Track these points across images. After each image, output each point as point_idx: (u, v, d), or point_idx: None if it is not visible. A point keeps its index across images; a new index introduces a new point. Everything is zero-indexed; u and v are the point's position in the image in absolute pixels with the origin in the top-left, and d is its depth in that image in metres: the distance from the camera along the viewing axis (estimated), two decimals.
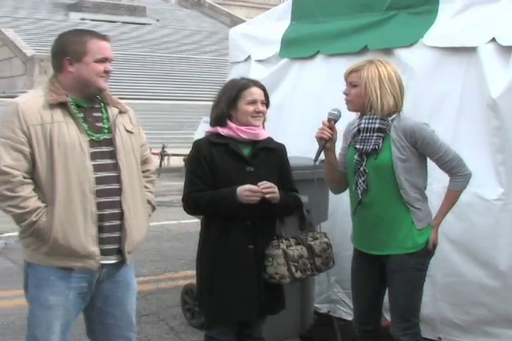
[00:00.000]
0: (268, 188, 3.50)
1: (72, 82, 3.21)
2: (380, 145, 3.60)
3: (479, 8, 4.40)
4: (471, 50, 4.34)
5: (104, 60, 3.22)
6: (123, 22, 35.86)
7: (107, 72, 3.23)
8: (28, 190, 3.09)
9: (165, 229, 9.60)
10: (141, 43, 33.23)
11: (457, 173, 3.62)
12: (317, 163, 3.75)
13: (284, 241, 3.63)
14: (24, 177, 3.09)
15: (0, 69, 30.22)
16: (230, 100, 3.64)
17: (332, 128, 3.73)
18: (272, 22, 6.08)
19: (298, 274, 3.59)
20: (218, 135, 3.65)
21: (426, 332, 4.42)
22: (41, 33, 32.07)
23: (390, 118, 3.61)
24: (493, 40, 4.20)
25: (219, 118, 3.67)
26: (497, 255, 4.23)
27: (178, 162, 16.81)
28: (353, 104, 3.73)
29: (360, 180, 3.68)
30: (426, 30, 4.61)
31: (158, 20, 37.53)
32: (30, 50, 28.74)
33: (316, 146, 3.79)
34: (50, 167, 3.09)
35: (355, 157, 3.71)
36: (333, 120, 3.74)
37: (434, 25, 4.59)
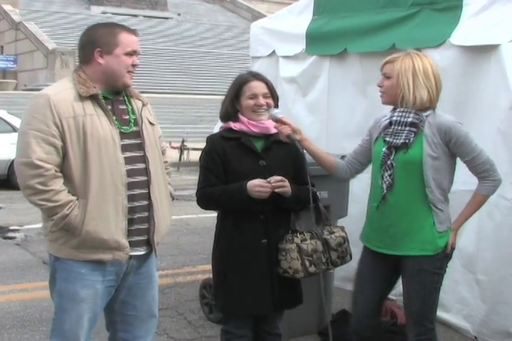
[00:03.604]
0: (278, 182, 3.48)
1: (99, 74, 3.19)
2: (412, 139, 3.48)
3: (503, 4, 4.35)
4: (494, 48, 4.30)
5: (133, 53, 3.21)
6: (144, 16, 35.99)
7: (134, 65, 3.21)
8: (59, 184, 3.07)
9: (184, 223, 9.60)
10: (164, 37, 33.33)
11: (487, 177, 3.47)
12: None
13: (298, 235, 3.59)
14: (56, 171, 3.07)
15: (22, 63, 30.44)
16: (233, 96, 3.63)
17: (284, 123, 3.57)
18: (293, 17, 6.06)
19: (312, 268, 3.56)
20: (231, 130, 3.64)
21: (462, 330, 4.66)
22: (63, 27, 32.27)
23: (424, 114, 3.50)
24: None
25: (226, 114, 3.67)
26: None
27: (197, 156, 16.71)
28: (386, 96, 3.62)
29: (386, 174, 3.55)
30: (452, 29, 4.57)
31: (179, 14, 37.62)
32: (51, 43, 28.89)
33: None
34: (83, 160, 3.07)
35: (384, 149, 3.58)
36: (276, 118, 3.58)
37: (459, 24, 4.55)
